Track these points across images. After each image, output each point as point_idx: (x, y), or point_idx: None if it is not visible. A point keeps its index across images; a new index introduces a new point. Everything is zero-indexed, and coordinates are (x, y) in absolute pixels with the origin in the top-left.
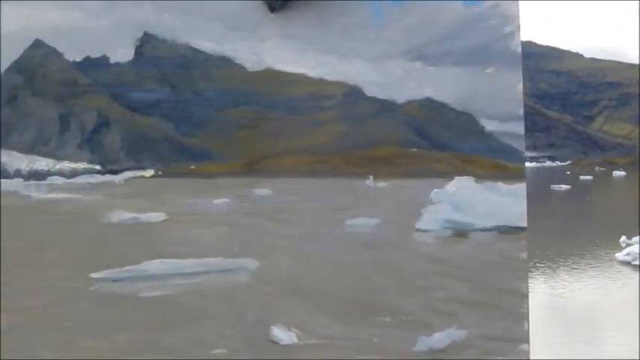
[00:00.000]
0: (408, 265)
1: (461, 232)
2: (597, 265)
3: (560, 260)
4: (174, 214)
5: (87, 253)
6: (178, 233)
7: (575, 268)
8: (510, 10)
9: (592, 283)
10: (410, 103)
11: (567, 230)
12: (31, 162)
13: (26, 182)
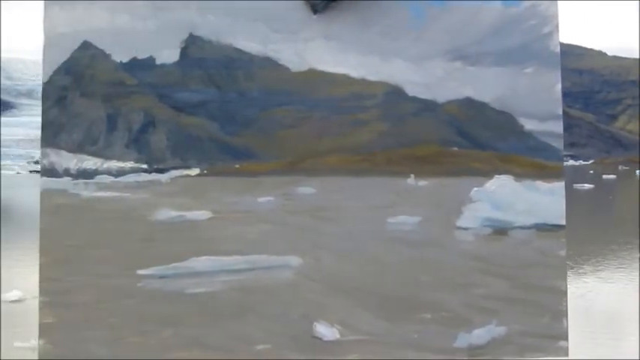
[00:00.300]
0: (448, 262)
1: (500, 230)
2: (620, 265)
3: (583, 260)
4: (219, 212)
5: (134, 251)
6: (223, 231)
7: (599, 269)
8: (549, 11)
9: (615, 285)
10: (450, 102)
11: (590, 230)
12: (79, 161)
13: (75, 181)
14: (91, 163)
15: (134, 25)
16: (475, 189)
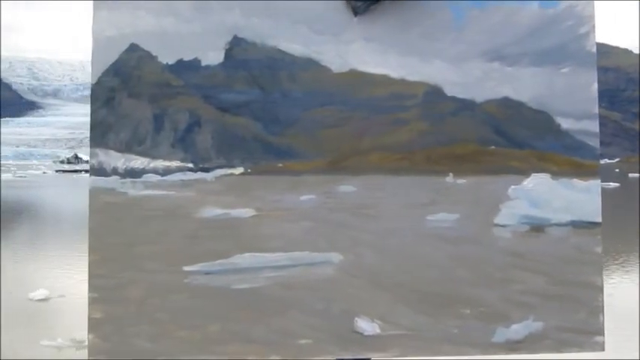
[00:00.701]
0: (487, 259)
1: (537, 227)
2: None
3: (609, 260)
4: (263, 210)
5: (180, 247)
6: (266, 228)
7: (625, 268)
8: (586, 11)
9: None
10: (488, 102)
11: (616, 229)
12: (127, 160)
13: (122, 180)
14: (138, 162)
15: (180, 27)
16: (513, 187)
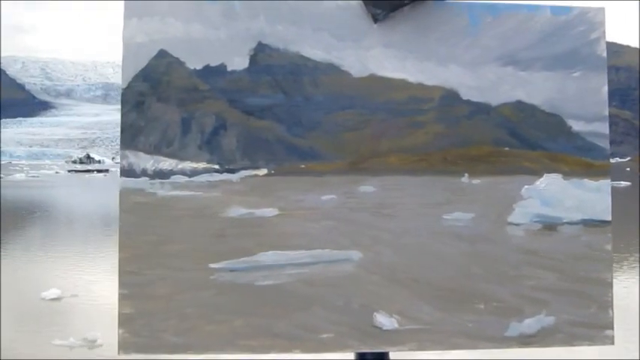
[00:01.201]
0: (501, 256)
1: (549, 226)
2: None
3: (621, 258)
4: (286, 210)
5: (207, 245)
6: (289, 227)
7: (636, 266)
8: (597, 17)
9: None
10: (503, 105)
11: (628, 227)
12: (155, 162)
13: (152, 181)
14: (166, 164)
15: (207, 34)
16: (526, 187)
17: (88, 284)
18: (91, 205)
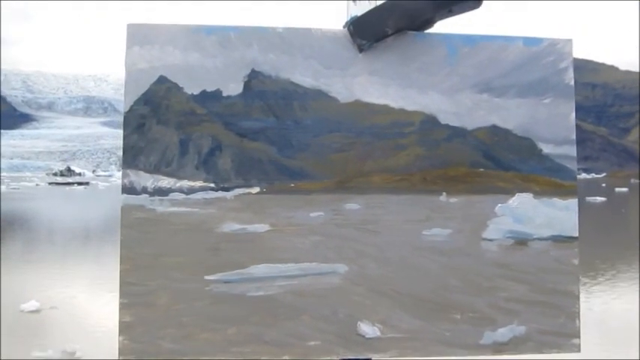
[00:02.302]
0: (476, 269)
1: (521, 241)
2: (633, 278)
3: (596, 273)
4: (277, 225)
5: (202, 258)
6: (280, 241)
7: (612, 281)
8: (565, 49)
9: (629, 296)
10: (478, 129)
11: (603, 243)
12: (155, 181)
13: (151, 198)
14: (165, 182)
15: (204, 62)
16: (499, 205)
17: (68, 297)
18: (70, 217)
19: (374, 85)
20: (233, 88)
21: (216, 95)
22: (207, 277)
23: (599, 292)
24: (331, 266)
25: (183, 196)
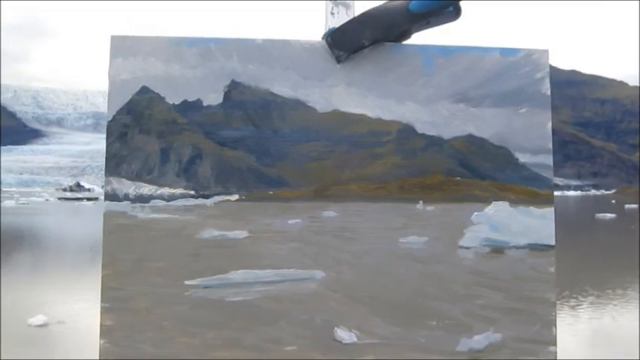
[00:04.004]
0: (452, 276)
1: (497, 249)
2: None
3: (605, 290)
4: (256, 232)
5: (183, 264)
6: (259, 248)
7: (622, 298)
8: (541, 59)
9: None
10: (455, 139)
11: (613, 259)
12: (137, 188)
13: (133, 204)
14: (146, 189)
15: (185, 72)
16: (476, 213)
17: (75, 311)
18: (79, 232)
19: (352, 95)
20: (213, 98)
21: (196, 105)
22: (187, 282)
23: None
24: (309, 272)
25: (164, 203)
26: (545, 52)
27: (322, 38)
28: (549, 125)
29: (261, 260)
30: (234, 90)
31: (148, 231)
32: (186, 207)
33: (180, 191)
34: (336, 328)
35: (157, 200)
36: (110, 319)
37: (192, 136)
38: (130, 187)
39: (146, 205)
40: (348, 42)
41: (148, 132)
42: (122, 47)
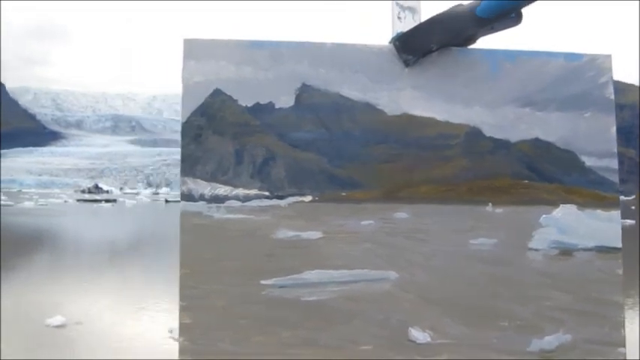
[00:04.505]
0: (522, 278)
1: (566, 251)
2: None
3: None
4: (329, 233)
5: (258, 264)
6: (332, 248)
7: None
8: (605, 64)
9: None
10: (521, 142)
11: (633, 267)
12: (212, 189)
13: (209, 205)
14: (222, 190)
15: (257, 75)
16: (544, 216)
17: (94, 312)
18: (98, 234)
19: (418, 98)
20: (285, 100)
21: (268, 107)
22: (262, 282)
23: None
24: (382, 273)
25: (239, 203)
26: (609, 57)
27: (390, 42)
28: (614, 129)
29: (334, 261)
30: (304, 93)
31: (223, 231)
32: (261, 208)
33: (254, 192)
34: (410, 328)
35: (232, 201)
36: (188, 318)
37: (265, 138)
38: (205, 188)
39: (221, 205)
40: (417, 46)
41: (222, 134)
42: (195, 50)
